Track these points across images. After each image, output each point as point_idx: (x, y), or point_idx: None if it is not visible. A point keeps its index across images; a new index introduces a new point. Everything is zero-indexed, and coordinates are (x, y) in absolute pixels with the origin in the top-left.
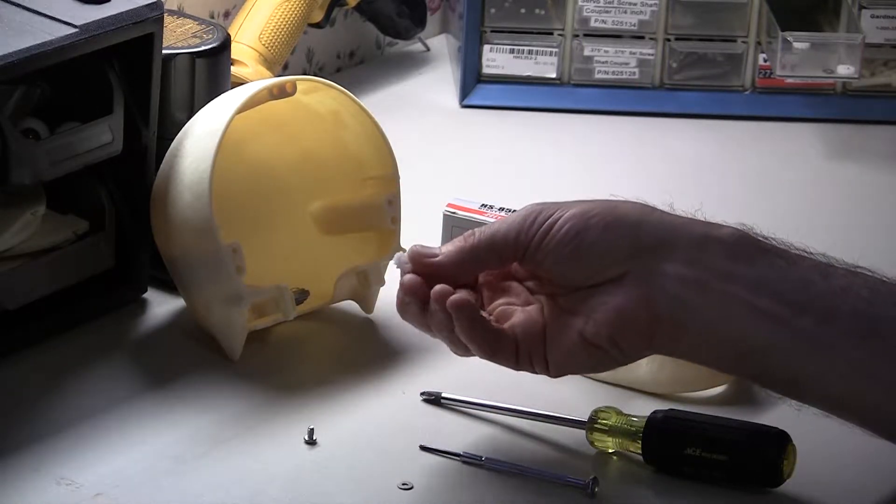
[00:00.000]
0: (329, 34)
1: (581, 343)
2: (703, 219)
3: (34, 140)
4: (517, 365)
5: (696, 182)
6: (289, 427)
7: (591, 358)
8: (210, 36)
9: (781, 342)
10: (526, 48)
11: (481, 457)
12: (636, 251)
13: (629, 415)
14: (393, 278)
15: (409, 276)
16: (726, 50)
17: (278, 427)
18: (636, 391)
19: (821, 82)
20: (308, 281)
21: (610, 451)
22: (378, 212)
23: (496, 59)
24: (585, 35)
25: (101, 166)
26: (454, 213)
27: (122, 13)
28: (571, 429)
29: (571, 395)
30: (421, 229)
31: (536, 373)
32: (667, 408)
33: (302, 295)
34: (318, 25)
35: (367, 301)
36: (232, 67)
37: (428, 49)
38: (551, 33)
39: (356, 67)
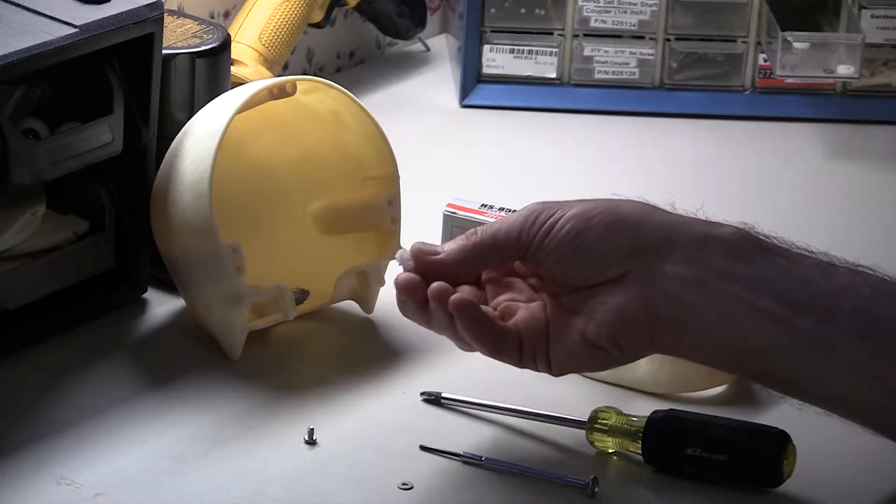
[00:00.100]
0: (329, 34)
1: (582, 343)
2: (704, 218)
3: (34, 140)
4: (520, 363)
5: (697, 182)
6: (289, 427)
7: (593, 358)
8: (210, 36)
9: (782, 342)
10: (526, 48)
11: (481, 457)
12: (637, 251)
13: (629, 415)
14: (393, 278)
15: (404, 276)
16: (726, 50)
17: (278, 427)
18: (636, 391)
19: (821, 82)
20: (308, 281)
21: (610, 451)
22: (378, 212)
23: (496, 59)
24: (585, 35)
25: (101, 166)
26: (454, 213)
27: (122, 13)
28: (571, 429)
29: (571, 395)
30: (421, 229)
31: (539, 371)
32: (667, 408)
33: (302, 295)
34: (318, 25)
35: (367, 301)
36: (232, 67)
37: (428, 49)
38: (551, 33)
39: (356, 67)
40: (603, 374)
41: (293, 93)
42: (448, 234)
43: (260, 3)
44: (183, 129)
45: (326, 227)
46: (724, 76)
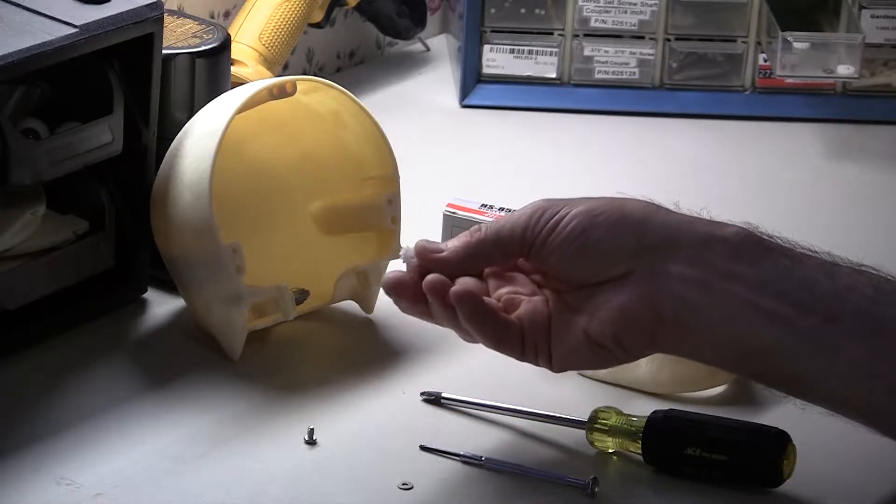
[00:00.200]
0: (329, 34)
1: (585, 341)
2: (708, 218)
3: (34, 140)
4: (522, 356)
5: (697, 182)
6: (289, 427)
7: (595, 355)
8: (210, 36)
9: (785, 342)
10: (526, 48)
11: (481, 457)
12: (641, 250)
13: (629, 415)
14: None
15: (391, 275)
16: (726, 50)
17: (278, 427)
18: (636, 391)
19: (821, 82)
20: (308, 281)
21: (610, 451)
22: (378, 212)
23: (496, 59)
24: (585, 35)
25: (101, 166)
26: (454, 213)
27: (122, 13)
28: (571, 429)
29: (571, 395)
30: (421, 229)
31: (539, 365)
32: (667, 408)
33: (302, 295)
34: (318, 25)
35: (367, 301)
36: (232, 67)
37: (428, 49)
38: (551, 33)
39: (356, 67)
40: (603, 374)
41: (293, 93)
42: (448, 234)
43: (260, 3)
44: (183, 129)
45: (326, 227)
46: (724, 76)
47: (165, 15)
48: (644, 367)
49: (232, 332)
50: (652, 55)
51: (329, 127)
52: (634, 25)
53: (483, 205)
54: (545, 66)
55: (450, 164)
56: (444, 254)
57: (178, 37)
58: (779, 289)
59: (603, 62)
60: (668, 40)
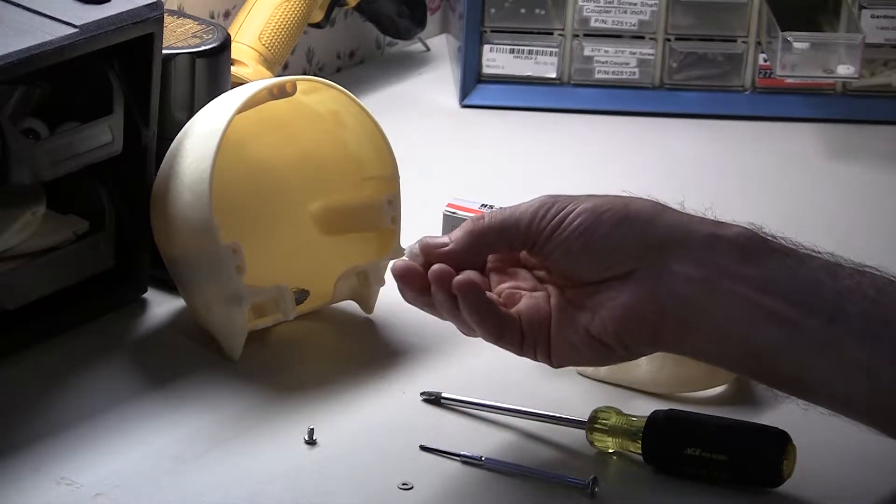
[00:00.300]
0: (329, 34)
1: (586, 338)
2: (712, 218)
3: (34, 140)
4: (521, 351)
5: (697, 182)
6: (289, 427)
7: (595, 353)
8: (210, 36)
9: (788, 343)
10: (526, 48)
11: (481, 457)
12: (645, 249)
13: (629, 415)
14: (393, 278)
15: (400, 263)
16: (726, 50)
17: (278, 427)
18: (636, 391)
19: (821, 82)
20: (308, 281)
21: (610, 451)
22: (378, 212)
23: (496, 59)
24: (585, 35)
25: (101, 166)
26: (454, 213)
27: (122, 13)
28: (571, 429)
29: (571, 395)
30: (421, 229)
31: (538, 361)
32: (667, 408)
33: (302, 295)
34: (318, 25)
35: (367, 301)
36: (232, 67)
37: (428, 49)
38: (551, 33)
39: (356, 67)
40: (603, 374)
41: (293, 93)
42: (448, 233)
43: (260, 3)
44: (183, 129)
45: (326, 227)
46: (724, 76)
47: (165, 15)
48: (644, 367)
49: (232, 332)
50: (652, 55)
51: (329, 127)
52: (634, 25)
53: (483, 205)
54: (545, 66)
55: (450, 164)
56: (448, 248)
57: (178, 37)
58: (782, 289)
59: (603, 62)
60: (668, 40)
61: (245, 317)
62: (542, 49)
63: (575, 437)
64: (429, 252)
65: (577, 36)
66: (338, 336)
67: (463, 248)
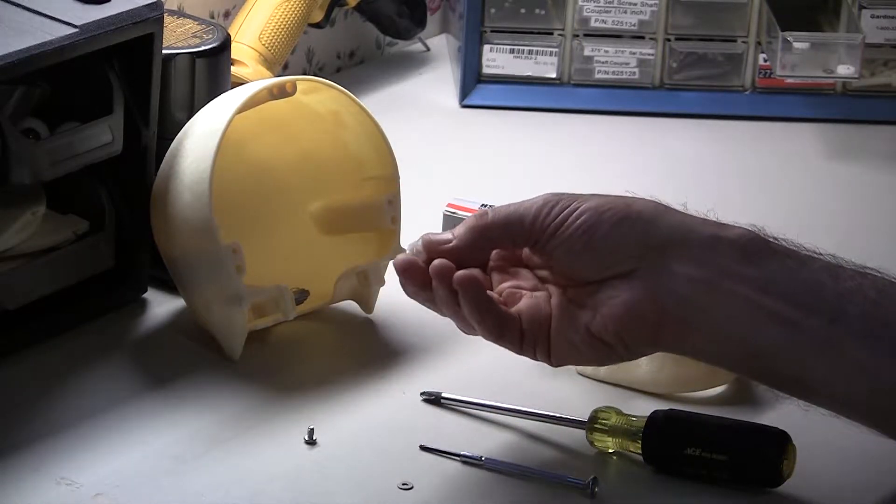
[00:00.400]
0: (329, 34)
1: (586, 336)
2: (714, 219)
3: (34, 140)
4: (520, 350)
5: (697, 182)
6: (289, 427)
7: (595, 352)
8: (210, 36)
9: (789, 343)
10: (526, 48)
11: (481, 457)
12: (646, 249)
13: (629, 415)
14: (393, 278)
15: (402, 257)
16: (726, 50)
17: (278, 427)
18: (636, 391)
19: (821, 82)
20: (308, 281)
21: (610, 451)
22: (378, 212)
23: (496, 59)
24: (585, 35)
25: (101, 166)
26: (454, 213)
27: (122, 13)
28: (571, 429)
29: (571, 395)
30: (421, 229)
31: (537, 360)
32: (667, 408)
33: (302, 295)
34: (318, 25)
35: (367, 301)
36: (232, 67)
37: (428, 49)
38: (551, 33)
39: (356, 67)
40: (603, 374)
41: (293, 93)
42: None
43: (260, 3)
44: (183, 129)
45: (326, 227)
46: (724, 76)
47: (165, 15)
48: (644, 367)
49: (232, 332)
50: (652, 55)
51: (329, 127)
52: (634, 25)
53: (483, 205)
54: (545, 66)
55: (450, 164)
56: (452, 243)
57: (178, 37)
58: (783, 290)
59: (603, 62)
60: (668, 40)
61: (245, 317)
62: (542, 49)
63: (575, 437)
64: (432, 249)
65: (577, 36)
66: (338, 336)
67: (466, 245)
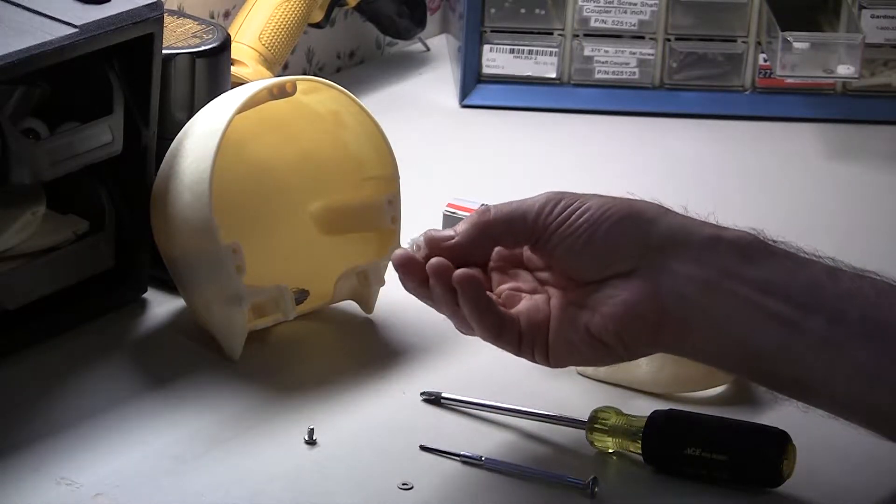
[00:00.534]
0: (329, 34)
1: (586, 336)
2: (714, 222)
3: (34, 140)
4: (519, 351)
5: (697, 182)
6: (289, 427)
7: (595, 352)
8: (210, 36)
9: (789, 343)
10: (526, 48)
11: (481, 457)
12: (646, 248)
13: (629, 415)
14: (393, 278)
15: (400, 252)
16: (726, 50)
17: (278, 427)
18: (636, 391)
19: (821, 82)
20: (308, 281)
21: (610, 451)
22: (378, 212)
23: (496, 59)
24: (585, 35)
25: (101, 166)
26: (454, 213)
27: (122, 13)
28: (571, 429)
29: (571, 395)
30: (421, 229)
31: (535, 362)
32: (667, 408)
33: (302, 295)
34: (318, 25)
35: (367, 301)
36: (232, 67)
37: (428, 49)
38: (551, 33)
39: (356, 67)
40: (603, 374)
41: (293, 93)
42: None
43: (260, 3)
44: (183, 129)
45: (326, 227)
46: (724, 76)
47: (165, 15)
48: (644, 367)
49: (232, 332)
50: (652, 55)
51: (329, 127)
52: (634, 25)
53: (482, 205)
54: (545, 66)
55: (450, 164)
56: (453, 241)
57: (178, 37)
58: (783, 291)
59: (603, 62)
60: (668, 40)
61: (245, 317)
62: (542, 49)
63: (575, 437)
64: (434, 244)
65: (577, 36)
66: (338, 336)
67: (468, 241)
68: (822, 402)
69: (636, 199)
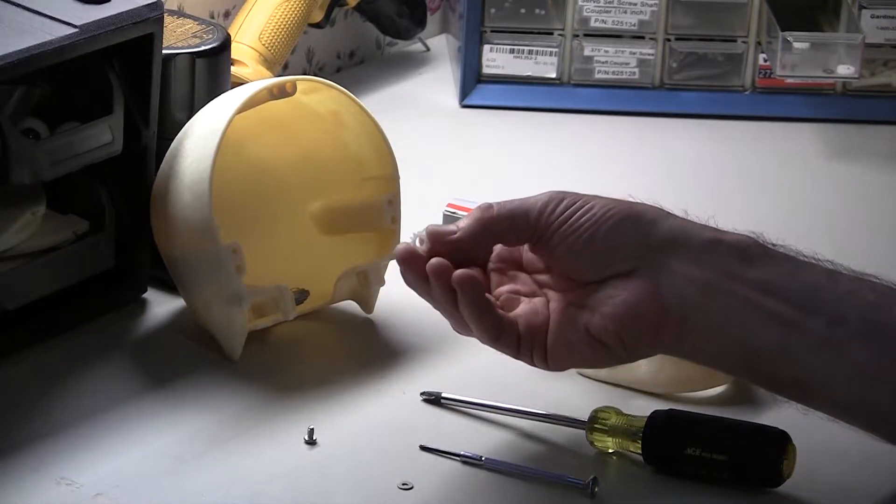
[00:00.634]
0: (329, 34)
1: (585, 337)
2: (714, 226)
3: (34, 140)
4: (517, 354)
5: (697, 182)
6: (289, 427)
7: (594, 353)
8: (210, 36)
9: (789, 344)
10: (526, 48)
11: (481, 457)
12: (646, 249)
13: (629, 415)
14: (393, 278)
15: (402, 246)
16: (726, 50)
17: (278, 427)
18: (636, 391)
19: (821, 82)
20: (308, 281)
21: (610, 451)
22: (378, 212)
23: (496, 59)
24: (585, 35)
25: (101, 166)
26: (454, 213)
27: (122, 13)
28: (571, 429)
29: (571, 395)
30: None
31: (534, 365)
32: (667, 408)
33: (302, 295)
34: (318, 25)
35: (367, 301)
36: (232, 67)
37: (428, 49)
38: (551, 33)
39: (356, 67)
40: (603, 374)
41: (293, 93)
42: None
43: (260, 3)
44: (183, 129)
45: (326, 227)
46: (724, 76)
47: (165, 15)
48: (644, 367)
49: (232, 332)
50: (652, 55)
51: (329, 127)
52: (634, 25)
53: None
54: (545, 66)
55: (450, 164)
56: (456, 235)
57: (178, 37)
58: (783, 292)
59: (603, 62)
60: (668, 40)
61: (245, 317)
62: (542, 49)
63: (575, 437)
64: (436, 240)
65: (577, 36)
66: (338, 336)
67: (470, 237)
68: (822, 403)
69: (637, 202)
